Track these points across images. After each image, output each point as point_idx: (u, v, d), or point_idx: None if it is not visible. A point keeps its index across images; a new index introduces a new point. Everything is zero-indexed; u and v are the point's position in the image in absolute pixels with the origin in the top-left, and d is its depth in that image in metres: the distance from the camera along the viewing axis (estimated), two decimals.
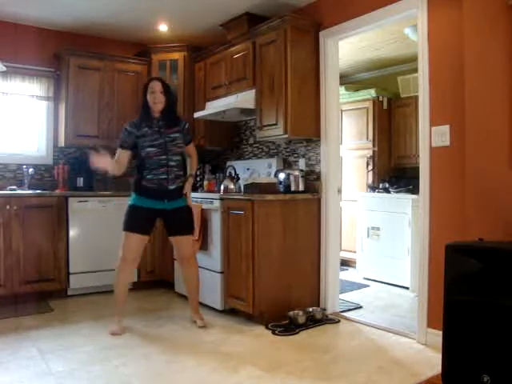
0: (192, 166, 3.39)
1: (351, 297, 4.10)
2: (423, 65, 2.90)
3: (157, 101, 3.08)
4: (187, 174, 3.29)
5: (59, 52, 4.29)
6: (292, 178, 3.59)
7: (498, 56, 2.36)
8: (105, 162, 3.02)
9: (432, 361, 2.59)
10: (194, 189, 4.58)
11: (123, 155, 3.14)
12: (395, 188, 4.80)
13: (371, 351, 2.80)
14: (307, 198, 3.56)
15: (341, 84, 4.13)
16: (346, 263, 5.24)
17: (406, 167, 5.12)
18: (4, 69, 3.87)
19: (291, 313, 3.26)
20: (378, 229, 4.77)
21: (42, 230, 3.81)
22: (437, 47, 2.82)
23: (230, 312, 3.53)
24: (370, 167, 5.20)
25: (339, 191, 3.67)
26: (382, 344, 2.92)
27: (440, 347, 2.17)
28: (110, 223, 4.04)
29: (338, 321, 3.39)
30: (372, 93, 5.18)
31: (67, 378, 2.39)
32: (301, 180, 3.61)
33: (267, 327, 3.20)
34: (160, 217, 3.20)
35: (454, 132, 2.72)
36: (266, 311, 3.28)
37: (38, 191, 3.98)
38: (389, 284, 4.57)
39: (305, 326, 3.20)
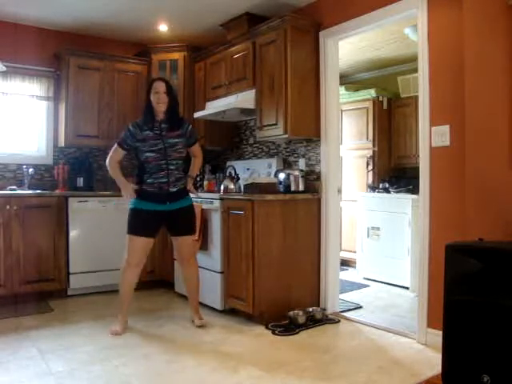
0: (195, 166, 3.35)
1: (351, 297, 4.10)
2: (423, 65, 2.90)
3: (160, 101, 3.06)
4: (190, 170, 3.29)
5: (59, 52, 4.29)
6: (292, 177, 3.59)
7: (498, 56, 2.36)
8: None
9: (432, 361, 2.59)
10: (194, 189, 4.58)
11: (118, 153, 3.13)
12: (395, 188, 4.80)
13: (371, 351, 2.80)
14: (307, 198, 3.56)
15: (341, 84, 4.13)
16: (346, 263, 5.24)
17: (406, 167, 5.12)
18: (4, 69, 3.87)
19: (291, 313, 3.26)
20: (378, 229, 4.77)
21: (42, 230, 3.82)
22: (437, 47, 2.82)
23: (230, 312, 3.53)
24: (370, 167, 5.21)
25: (339, 191, 3.67)
26: (382, 344, 2.92)
27: (440, 347, 2.17)
28: (110, 223, 4.04)
29: (338, 321, 3.39)
30: (372, 93, 5.18)
31: (67, 377, 2.39)
32: (301, 180, 3.61)
33: (267, 327, 3.20)
34: (163, 218, 3.18)
35: (454, 132, 2.72)
36: (265, 311, 3.28)
37: (38, 191, 3.98)
38: (389, 284, 4.57)
39: (305, 326, 3.20)
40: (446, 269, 2.13)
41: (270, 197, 3.32)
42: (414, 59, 3.94)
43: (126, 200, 3.14)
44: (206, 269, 3.65)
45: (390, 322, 3.35)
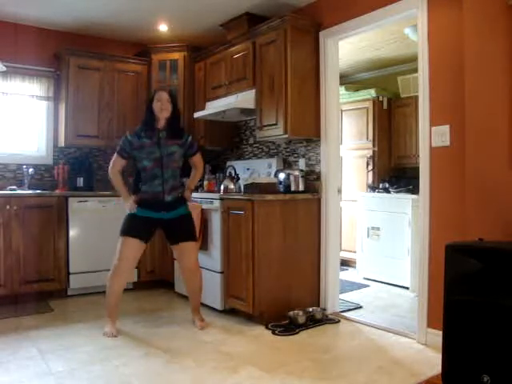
0: (194, 178, 3.33)
1: (351, 297, 4.10)
2: (423, 65, 2.90)
3: (163, 107, 3.05)
4: (185, 185, 3.27)
5: (59, 52, 4.29)
6: (292, 177, 3.59)
7: (498, 56, 2.36)
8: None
9: (432, 361, 2.59)
10: (194, 189, 4.58)
11: (119, 162, 3.13)
12: (395, 188, 4.80)
13: (371, 351, 2.80)
14: (307, 198, 3.56)
15: (341, 84, 4.13)
16: (346, 263, 5.24)
17: (406, 167, 5.12)
18: (4, 69, 3.87)
19: (291, 313, 3.26)
20: (378, 229, 4.77)
21: (42, 230, 3.82)
22: (437, 47, 2.82)
23: (229, 312, 3.53)
24: (370, 167, 5.20)
25: (339, 191, 3.67)
26: (382, 344, 2.92)
27: (440, 347, 2.17)
28: (110, 223, 4.04)
29: (338, 321, 3.39)
30: (372, 93, 5.18)
31: (67, 377, 2.39)
32: (301, 180, 3.61)
33: (267, 327, 3.20)
34: (159, 227, 3.17)
35: (454, 132, 2.72)
36: (265, 311, 3.28)
37: (38, 191, 3.98)
38: (389, 284, 4.57)
39: (305, 326, 3.20)
40: (446, 269, 2.13)
41: (269, 197, 3.32)
42: (414, 59, 3.94)
43: (129, 211, 3.11)
44: (206, 269, 3.64)
45: (389, 322, 3.35)
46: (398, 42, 4.51)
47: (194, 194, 3.90)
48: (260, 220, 3.26)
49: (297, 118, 3.50)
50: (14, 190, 3.94)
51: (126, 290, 4.09)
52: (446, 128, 2.77)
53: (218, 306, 3.55)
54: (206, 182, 4.27)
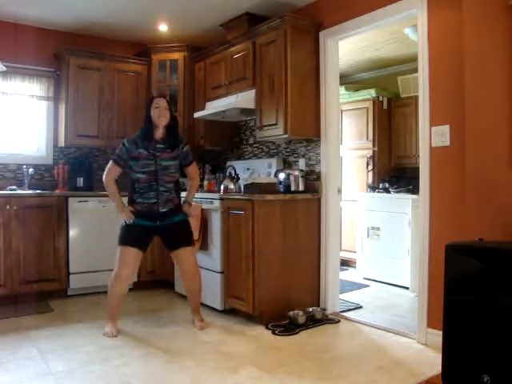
0: (191, 190, 3.30)
1: (351, 297, 4.10)
2: (423, 65, 2.90)
3: (161, 114, 3.04)
4: (182, 198, 3.24)
5: (59, 52, 4.29)
6: (292, 177, 3.59)
7: (498, 56, 2.36)
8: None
9: (432, 361, 2.59)
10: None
11: (114, 171, 3.10)
12: (395, 188, 4.80)
13: (371, 351, 2.80)
14: (307, 198, 3.56)
15: (341, 84, 4.13)
16: (346, 263, 5.24)
17: (406, 167, 5.12)
18: (4, 69, 3.87)
19: (291, 313, 3.26)
20: (378, 229, 4.77)
21: (42, 230, 3.82)
22: (437, 47, 2.82)
23: (229, 312, 3.53)
24: (370, 167, 5.20)
25: (339, 191, 3.67)
26: (382, 344, 2.92)
27: (440, 347, 2.18)
28: (110, 223, 4.04)
29: (338, 321, 3.39)
30: (372, 93, 5.18)
31: (67, 377, 2.39)
32: (301, 180, 3.61)
33: (267, 327, 3.20)
34: (156, 234, 3.18)
35: (454, 132, 2.72)
36: (265, 311, 3.28)
37: (38, 191, 3.98)
38: (389, 284, 4.57)
39: (305, 326, 3.20)
40: (446, 269, 2.13)
41: (269, 197, 3.32)
42: (414, 59, 3.94)
43: (125, 221, 3.09)
44: (206, 269, 3.64)
45: (390, 322, 3.35)
46: (398, 42, 4.51)
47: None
48: (260, 220, 3.26)
49: (297, 118, 3.49)
50: (14, 189, 3.94)
51: None
52: (445, 128, 2.77)
53: (218, 306, 3.55)
54: (206, 182, 4.27)
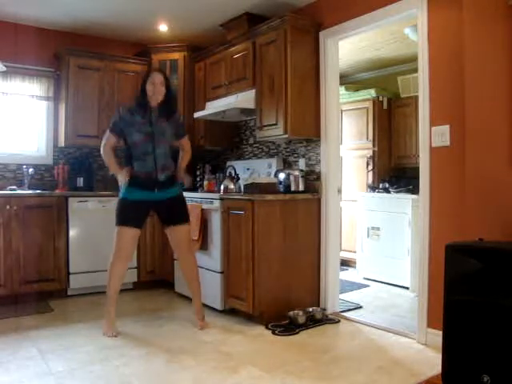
0: (183, 158, 3.31)
1: (351, 297, 4.10)
2: (423, 65, 2.90)
3: (156, 92, 3.05)
4: (177, 165, 3.25)
5: (59, 52, 4.29)
6: (292, 177, 3.59)
7: (498, 56, 2.36)
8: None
9: (432, 361, 2.59)
10: (194, 189, 4.59)
11: (111, 140, 3.13)
12: (395, 188, 4.80)
13: (371, 351, 2.80)
14: (307, 198, 3.56)
15: (341, 84, 4.13)
16: (346, 263, 5.24)
17: (406, 167, 5.12)
18: (4, 69, 3.87)
19: (291, 313, 3.26)
20: (378, 229, 4.77)
21: (42, 230, 3.82)
22: (437, 47, 2.82)
23: (230, 312, 3.53)
24: (370, 167, 5.21)
25: (339, 191, 3.67)
26: (382, 344, 2.92)
27: (440, 347, 2.17)
28: (109, 223, 4.00)
29: (338, 321, 3.39)
30: (372, 93, 5.18)
31: (67, 377, 2.39)
32: (301, 180, 3.61)
33: (267, 327, 3.20)
34: (152, 209, 3.17)
35: (454, 132, 2.72)
36: (265, 311, 3.28)
37: (38, 191, 3.98)
38: (389, 284, 4.57)
39: (305, 326, 3.20)
40: (446, 269, 2.13)
41: (269, 197, 3.32)
42: (414, 59, 3.94)
43: (122, 182, 3.09)
44: (206, 269, 3.65)
45: (390, 322, 3.35)
46: (398, 42, 4.51)
47: (194, 194, 3.91)
48: (260, 220, 3.26)
49: (297, 118, 3.49)
50: (14, 189, 3.94)
51: (125, 290, 4.13)
52: (445, 128, 2.77)
53: (218, 306, 3.55)
54: (206, 182, 4.28)
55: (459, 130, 2.65)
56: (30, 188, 4.12)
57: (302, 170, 3.67)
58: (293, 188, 3.58)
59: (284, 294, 3.39)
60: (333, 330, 3.24)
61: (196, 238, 3.65)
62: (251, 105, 3.79)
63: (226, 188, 3.79)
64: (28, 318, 3.36)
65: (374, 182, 5.15)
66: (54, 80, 4.39)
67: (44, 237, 3.82)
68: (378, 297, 4.17)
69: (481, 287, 2.00)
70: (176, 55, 4.60)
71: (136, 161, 3.06)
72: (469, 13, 2.48)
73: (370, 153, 5.22)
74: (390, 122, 5.28)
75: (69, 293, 3.99)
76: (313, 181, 3.70)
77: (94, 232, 4.03)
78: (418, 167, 2.98)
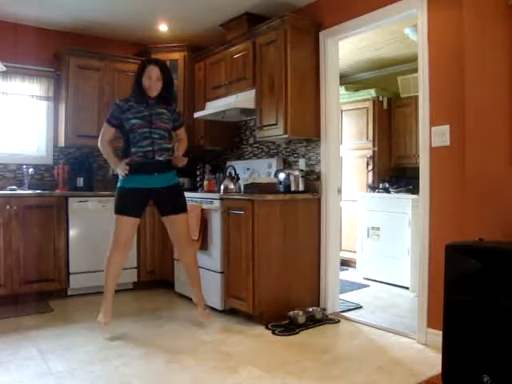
0: (180, 146, 3.30)
1: (351, 297, 4.10)
2: (423, 65, 2.90)
3: (152, 86, 3.04)
4: (174, 150, 3.24)
5: (59, 52, 4.29)
6: (292, 177, 3.59)
7: (498, 56, 2.36)
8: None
9: (432, 361, 2.59)
10: (194, 189, 4.59)
11: (108, 131, 3.12)
12: (395, 188, 4.80)
13: (371, 351, 2.80)
14: (307, 198, 3.56)
15: (341, 84, 4.13)
16: (346, 263, 5.24)
17: (406, 167, 5.12)
18: (4, 69, 3.87)
19: (291, 313, 3.26)
20: (378, 229, 4.77)
21: (42, 230, 3.82)
22: (437, 47, 2.82)
23: (230, 312, 3.53)
24: (370, 167, 5.21)
25: (339, 191, 3.67)
26: (382, 344, 2.92)
27: (440, 347, 2.17)
28: (110, 223, 4.01)
29: (338, 321, 3.39)
30: (372, 93, 5.18)
31: (67, 377, 2.39)
32: (301, 180, 3.61)
33: (267, 327, 3.20)
34: (150, 197, 3.16)
35: (454, 132, 2.72)
36: (265, 311, 3.28)
37: (38, 191, 3.98)
38: (389, 284, 4.57)
39: (305, 326, 3.20)
40: (446, 269, 2.13)
41: (269, 197, 3.32)
42: (414, 59, 3.94)
43: (121, 175, 3.08)
44: (206, 269, 3.65)
45: (390, 322, 3.35)
46: (398, 42, 4.51)
47: (194, 194, 3.91)
48: (260, 220, 3.26)
49: (297, 118, 3.49)
50: (14, 189, 3.94)
51: (125, 289, 4.13)
52: (445, 128, 2.77)
53: (218, 305, 3.55)
54: (206, 182, 4.28)
55: (459, 129, 2.65)
56: (30, 188, 4.12)
57: (302, 170, 3.67)
58: (293, 188, 3.58)
59: (284, 294, 3.39)
60: (333, 329, 3.24)
61: (196, 237, 3.65)
62: (251, 105, 3.79)
63: (225, 188, 3.79)
64: (28, 318, 3.36)
65: (374, 182, 5.15)
66: (53, 80, 4.39)
67: (44, 237, 3.82)
68: (377, 297, 4.17)
69: (481, 287, 2.00)
70: (176, 55, 4.60)
71: (134, 145, 3.04)
72: (469, 13, 2.48)
73: (370, 153, 5.22)
74: (390, 121, 5.28)
75: (69, 293, 3.99)
76: (313, 181, 3.70)
77: (94, 232, 4.03)
78: (418, 167, 2.98)
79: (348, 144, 5.43)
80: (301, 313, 3.27)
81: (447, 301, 2.12)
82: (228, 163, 4.53)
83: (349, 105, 5.42)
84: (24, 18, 4.12)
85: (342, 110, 5.26)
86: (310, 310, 3.38)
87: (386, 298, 4.12)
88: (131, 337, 3.03)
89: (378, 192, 4.93)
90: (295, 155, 3.91)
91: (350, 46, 4.53)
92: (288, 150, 4.00)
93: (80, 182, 4.28)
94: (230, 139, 4.64)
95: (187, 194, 3.89)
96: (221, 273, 3.54)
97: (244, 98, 3.86)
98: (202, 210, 3.69)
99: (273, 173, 3.90)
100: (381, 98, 5.22)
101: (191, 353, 2.75)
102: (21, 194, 3.78)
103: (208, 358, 2.68)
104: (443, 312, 2.13)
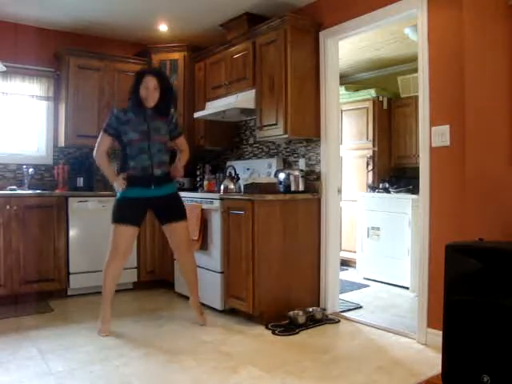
0: (181, 157, 3.29)
1: (351, 297, 4.10)
2: (423, 65, 2.90)
3: (149, 97, 3.04)
4: (174, 164, 3.23)
5: (59, 52, 4.29)
6: (292, 177, 3.59)
7: (498, 56, 2.36)
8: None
9: (432, 361, 2.59)
10: (194, 189, 4.59)
11: (105, 141, 3.09)
12: (395, 188, 4.80)
13: (371, 351, 2.80)
14: (307, 198, 3.56)
15: (341, 84, 4.13)
16: (346, 263, 5.24)
17: (406, 167, 5.12)
18: (4, 69, 3.87)
19: (291, 313, 3.26)
20: (378, 229, 4.77)
21: (42, 230, 3.81)
22: (437, 47, 2.82)
23: (230, 312, 3.53)
24: (370, 167, 5.20)
25: (339, 191, 3.67)
26: (382, 344, 2.92)
27: (440, 347, 2.17)
28: (109, 223, 4.03)
29: (338, 321, 3.39)
30: (372, 93, 5.18)
31: (67, 377, 2.39)
32: (301, 180, 3.61)
33: (267, 327, 3.20)
34: (149, 207, 3.16)
35: (454, 132, 2.72)
36: (265, 311, 3.28)
37: (38, 191, 3.98)
38: (389, 284, 4.57)
39: (305, 326, 3.20)
40: (446, 269, 2.13)
41: (269, 197, 3.32)
42: (414, 59, 3.94)
43: (118, 190, 3.08)
44: (206, 269, 3.65)
45: (390, 322, 3.35)
46: (398, 42, 4.51)
47: (194, 194, 3.91)
48: (260, 220, 3.26)
49: (297, 118, 3.49)
50: (14, 189, 3.94)
51: (125, 289, 4.13)
52: (445, 128, 2.77)
53: (218, 305, 3.55)
54: (206, 182, 4.28)
55: (459, 129, 2.65)
56: (30, 188, 4.12)
57: (302, 170, 3.67)
58: (293, 188, 3.58)
59: (284, 294, 3.39)
60: (333, 329, 3.24)
61: (196, 237, 3.65)
62: (251, 105, 3.79)
63: (225, 188, 3.79)
64: (28, 318, 3.36)
65: (374, 182, 5.15)
66: (54, 80, 4.39)
67: (44, 237, 3.82)
68: (377, 297, 4.17)
69: (481, 287, 2.00)
70: (176, 55, 4.60)
71: (132, 159, 3.04)
72: (469, 13, 2.48)
73: (370, 153, 5.22)
74: (390, 121, 5.28)
75: (69, 293, 3.99)
76: (313, 181, 3.70)
77: (94, 232, 4.03)
78: (418, 167, 2.98)
79: (348, 144, 5.43)
80: (301, 313, 3.27)
81: (447, 301, 2.12)
82: (228, 163, 4.53)
83: (349, 105, 5.42)
84: (24, 18, 4.12)
85: (342, 110, 5.26)
86: (310, 310, 3.38)
87: (385, 298, 4.12)
88: (131, 337, 3.03)
89: (378, 192, 4.93)
90: (295, 155, 3.91)
91: (349, 46, 4.53)
92: (288, 150, 4.00)
93: (80, 181, 4.28)
94: (230, 139, 4.64)
95: (187, 194, 3.91)
96: (221, 273, 3.54)
97: (244, 98, 3.86)
98: (202, 209, 3.69)
99: (273, 173, 3.90)
100: (381, 98, 5.22)
101: (191, 353, 2.75)
102: (21, 194, 3.78)
103: (208, 358, 2.68)
104: (443, 312, 2.13)
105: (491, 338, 1.94)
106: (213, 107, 4.20)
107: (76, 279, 3.96)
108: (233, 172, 3.97)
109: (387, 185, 4.91)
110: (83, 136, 4.26)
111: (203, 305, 3.54)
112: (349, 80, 5.85)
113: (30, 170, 4.17)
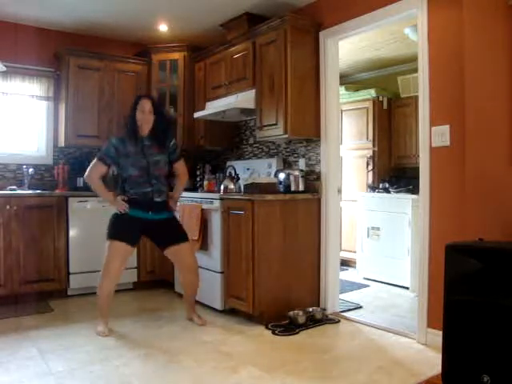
0: (178, 187, 3.29)
1: (351, 297, 4.10)
2: (423, 65, 2.90)
3: (144, 122, 3.05)
4: (173, 191, 3.25)
5: (59, 52, 4.29)
6: (292, 177, 3.59)
7: (498, 56, 2.36)
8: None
9: (432, 361, 2.59)
10: (194, 189, 4.59)
11: (99, 169, 3.06)
12: (395, 188, 4.80)
13: (371, 351, 2.80)
14: (307, 198, 3.56)
15: (341, 84, 4.12)
16: (346, 263, 5.24)
17: (406, 167, 5.12)
18: (4, 69, 3.87)
19: (291, 313, 3.26)
20: (378, 229, 4.77)
21: (42, 230, 3.81)
22: (437, 47, 2.82)
23: (230, 312, 3.53)
24: (370, 167, 5.20)
25: (339, 191, 3.67)
26: (382, 344, 2.92)
27: (440, 347, 2.17)
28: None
29: (338, 321, 3.39)
30: (372, 93, 5.18)
31: (67, 377, 2.39)
32: (301, 180, 3.61)
33: (267, 327, 3.20)
34: (146, 232, 3.14)
35: (454, 132, 2.72)
36: (265, 311, 3.28)
37: (38, 191, 3.98)
38: (389, 284, 4.57)
39: (305, 326, 3.20)
40: (446, 269, 2.13)
41: (269, 197, 3.32)
42: (414, 59, 3.94)
43: (120, 211, 3.06)
44: (206, 269, 3.64)
45: (390, 322, 3.35)
46: (398, 42, 4.51)
47: (194, 194, 3.91)
48: (260, 220, 3.25)
49: (297, 118, 3.49)
50: (14, 189, 3.94)
51: (125, 289, 4.13)
52: (445, 128, 2.77)
53: (218, 305, 3.55)
54: (206, 182, 4.28)
55: (459, 129, 2.65)
56: (30, 188, 4.12)
57: (302, 170, 3.67)
58: (293, 188, 3.58)
59: (284, 294, 3.39)
60: (333, 329, 3.24)
61: (196, 238, 3.65)
62: (251, 105, 3.79)
63: (225, 188, 3.79)
64: (28, 318, 3.36)
65: (374, 182, 5.15)
66: (54, 80, 4.39)
67: (44, 237, 3.82)
68: (377, 297, 4.17)
69: (481, 287, 2.00)
70: (176, 55, 4.60)
71: (132, 188, 3.06)
72: (469, 13, 2.48)
73: (370, 153, 5.22)
74: (390, 121, 5.28)
75: (69, 293, 3.99)
76: (313, 181, 3.70)
77: (94, 232, 4.02)
78: (418, 167, 2.98)
79: (348, 144, 5.43)
80: (301, 313, 3.27)
81: (447, 301, 2.12)
82: (228, 163, 4.53)
83: (349, 105, 5.42)
84: (24, 18, 4.12)
85: (342, 110, 5.25)
86: (310, 310, 3.38)
87: (385, 298, 4.12)
88: (131, 337, 3.03)
89: (378, 192, 4.93)
90: (295, 155, 3.91)
91: (349, 46, 4.53)
92: (288, 150, 3.99)
93: (80, 181, 4.27)
94: (230, 139, 4.64)
95: (187, 194, 3.91)
96: (221, 273, 3.54)
97: (244, 98, 3.86)
98: (202, 209, 3.69)
99: (273, 173, 3.90)
100: (381, 98, 5.22)
101: (191, 353, 2.75)
102: (21, 194, 3.78)
103: (208, 358, 2.68)
104: (443, 312, 2.13)
105: (491, 338, 1.94)
106: (213, 107, 4.20)
107: (76, 279, 3.96)
108: (233, 172, 3.97)
109: (387, 185, 4.91)
110: (83, 136, 4.26)
111: (203, 305, 3.55)
112: (349, 80, 5.84)
113: (30, 170, 4.17)
